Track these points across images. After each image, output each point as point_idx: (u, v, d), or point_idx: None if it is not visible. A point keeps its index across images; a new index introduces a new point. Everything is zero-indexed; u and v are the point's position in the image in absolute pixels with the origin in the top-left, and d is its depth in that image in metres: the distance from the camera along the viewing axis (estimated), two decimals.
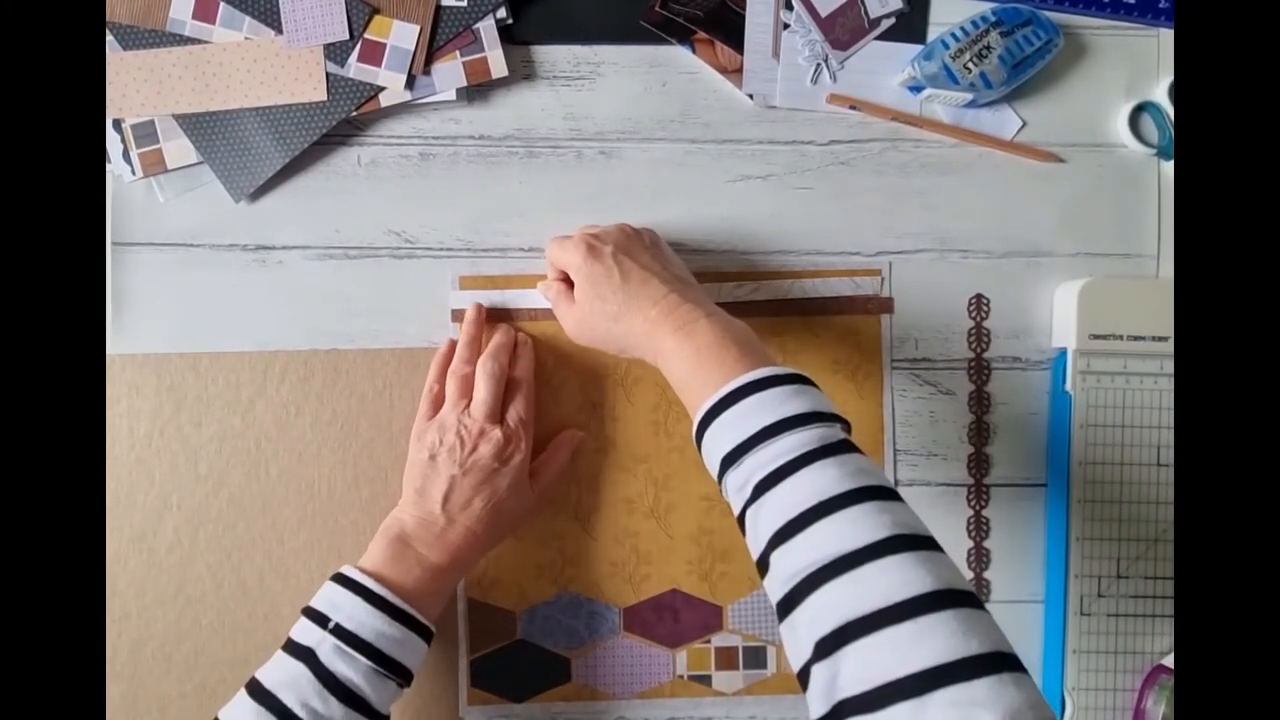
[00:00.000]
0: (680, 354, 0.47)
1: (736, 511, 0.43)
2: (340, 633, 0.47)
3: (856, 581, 0.37)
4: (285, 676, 0.46)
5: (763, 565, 0.41)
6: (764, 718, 0.59)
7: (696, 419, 0.45)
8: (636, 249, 0.52)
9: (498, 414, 0.54)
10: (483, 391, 0.54)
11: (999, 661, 0.34)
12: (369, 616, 0.47)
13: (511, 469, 0.53)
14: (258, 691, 0.46)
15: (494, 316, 0.59)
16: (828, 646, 0.36)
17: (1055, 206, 0.60)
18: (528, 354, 0.57)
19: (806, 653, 0.37)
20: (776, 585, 0.40)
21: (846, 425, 0.44)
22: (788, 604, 0.39)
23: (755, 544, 0.42)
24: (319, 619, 0.47)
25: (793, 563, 0.39)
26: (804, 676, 0.38)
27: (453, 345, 0.57)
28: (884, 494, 0.40)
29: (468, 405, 0.54)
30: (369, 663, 0.47)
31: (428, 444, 0.53)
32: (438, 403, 0.55)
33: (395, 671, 0.48)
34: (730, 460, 0.43)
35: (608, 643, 0.59)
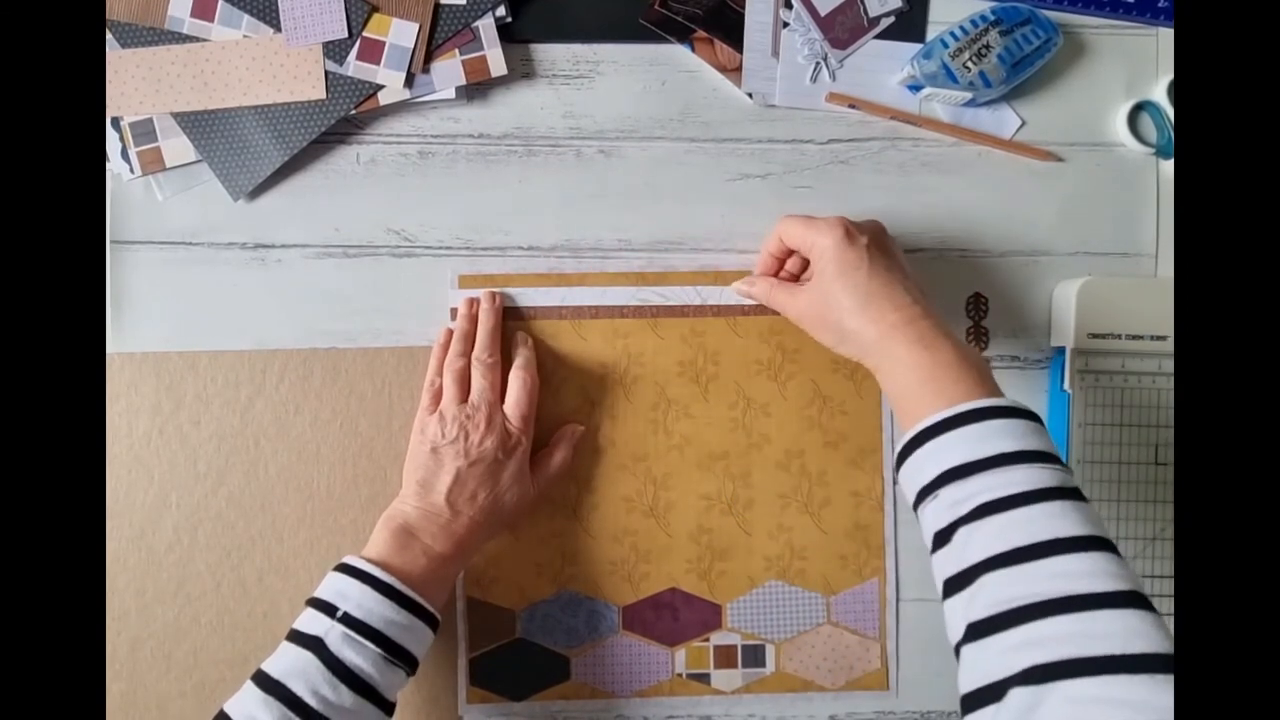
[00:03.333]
0: (915, 364, 0.47)
1: (942, 524, 0.43)
2: (349, 621, 0.47)
3: (1087, 622, 0.37)
4: (293, 666, 0.46)
5: (962, 580, 0.41)
6: (762, 716, 0.60)
7: (922, 425, 0.45)
8: (889, 249, 0.52)
9: (498, 405, 0.54)
10: (480, 382, 0.54)
11: None
12: (378, 604, 0.48)
13: (514, 461, 0.54)
14: (265, 682, 0.46)
15: None
16: (1040, 675, 0.36)
17: (1054, 205, 0.60)
18: (528, 348, 0.57)
19: (1004, 673, 0.38)
20: (981, 606, 0.40)
21: (1070, 470, 0.44)
22: (991, 625, 0.39)
23: (956, 560, 0.42)
24: (326, 608, 0.48)
25: (1014, 589, 0.39)
26: (998, 690, 0.38)
27: (450, 335, 0.57)
28: (1117, 550, 0.40)
29: (466, 398, 0.54)
30: (378, 650, 0.47)
31: (430, 436, 0.53)
32: (439, 396, 0.55)
33: (403, 659, 0.48)
34: (955, 475, 0.43)
35: (607, 641, 0.59)
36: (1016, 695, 0.37)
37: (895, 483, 0.48)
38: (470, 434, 0.53)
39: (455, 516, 0.52)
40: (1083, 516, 0.41)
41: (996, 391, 0.46)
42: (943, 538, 0.43)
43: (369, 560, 0.49)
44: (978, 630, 0.40)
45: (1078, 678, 0.36)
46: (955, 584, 0.42)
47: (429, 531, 0.51)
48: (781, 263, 0.57)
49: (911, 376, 0.47)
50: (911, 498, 0.47)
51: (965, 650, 0.40)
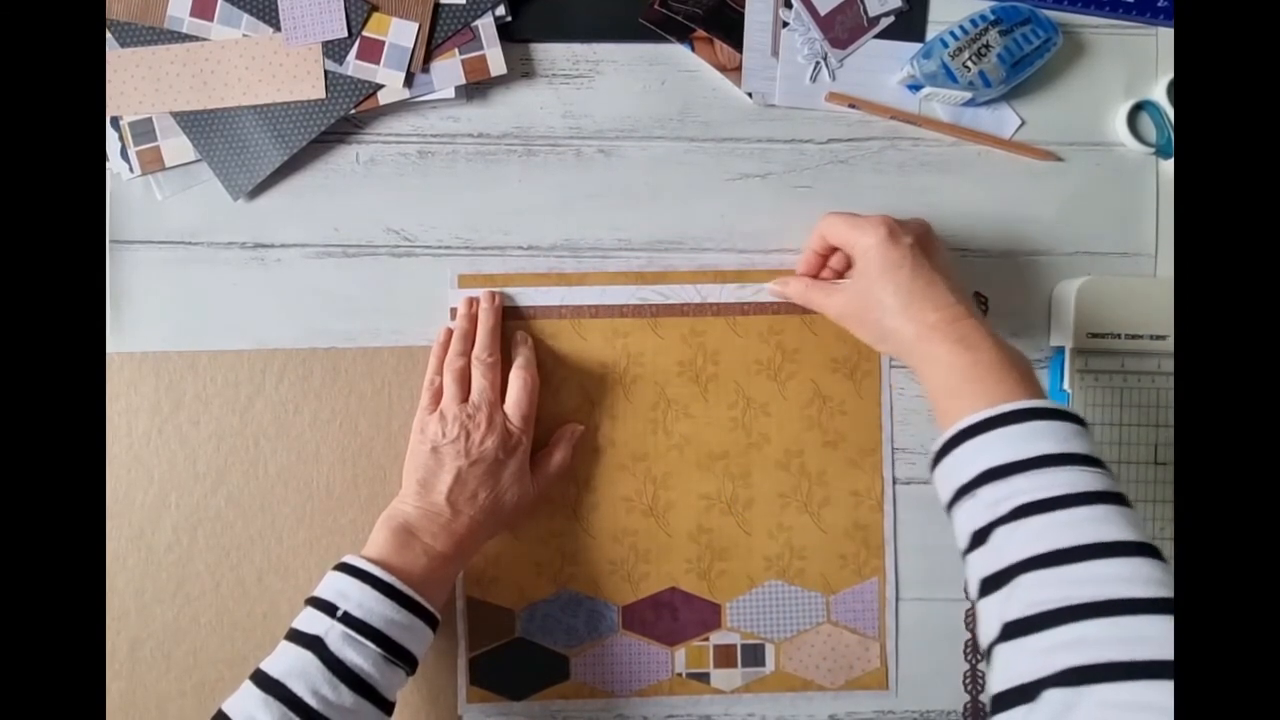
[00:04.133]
0: (956, 363, 0.47)
1: (980, 524, 0.43)
2: (349, 620, 0.47)
3: (1127, 627, 0.37)
4: (293, 665, 0.46)
5: (998, 580, 0.41)
6: (762, 715, 0.60)
7: (962, 424, 0.45)
8: (933, 248, 0.52)
9: (498, 404, 0.54)
10: (480, 382, 0.54)
11: None
12: (378, 604, 0.47)
13: (514, 461, 0.54)
14: (265, 681, 0.46)
15: None
16: (1077, 678, 0.36)
17: (1053, 205, 0.60)
18: (528, 347, 0.57)
19: (1039, 673, 0.37)
20: (1018, 606, 0.39)
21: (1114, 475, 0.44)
22: (1028, 625, 0.39)
23: (993, 559, 0.42)
24: (326, 608, 0.48)
25: (1053, 591, 0.39)
26: (1031, 691, 0.37)
27: (449, 334, 0.57)
28: (1161, 556, 0.40)
29: (466, 397, 0.54)
30: (378, 650, 0.47)
31: (430, 436, 0.53)
32: (439, 395, 0.55)
33: (403, 659, 0.48)
34: (995, 474, 0.43)
35: (606, 641, 0.59)
36: (1051, 697, 0.36)
37: (929, 480, 0.48)
38: (471, 434, 0.53)
39: (455, 516, 0.52)
40: (1126, 521, 0.40)
41: (1040, 393, 0.46)
42: (980, 537, 0.43)
43: (369, 560, 0.49)
44: (1013, 630, 0.39)
45: (1115, 682, 0.35)
46: (992, 583, 0.41)
47: (429, 531, 0.51)
48: (824, 260, 0.57)
49: (952, 376, 0.47)
50: (946, 497, 0.46)
51: (999, 649, 0.40)
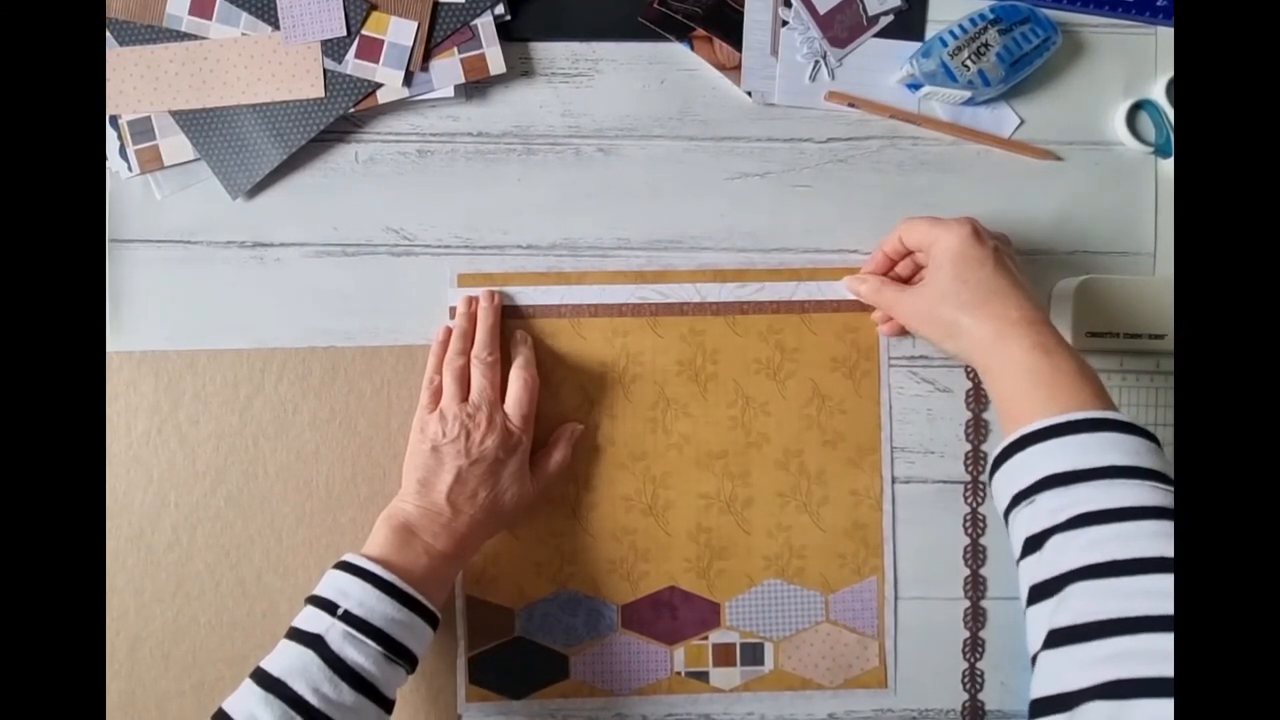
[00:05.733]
0: (1031, 368, 0.46)
1: (1036, 530, 0.42)
2: (350, 619, 0.47)
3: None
4: (294, 664, 0.46)
5: (1049, 588, 0.40)
6: (761, 714, 0.60)
7: (1028, 428, 0.45)
8: (1012, 257, 0.52)
9: (498, 404, 0.54)
10: (480, 381, 0.54)
11: None
12: (379, 602, 0.48)
13: (514, 460, 0.54)
14: (265, 680, 0.46)
15: None
16: (1122, 691, 0.35)
17: (1052, 204, 0.60)
18: (527, 347, 0.57)
19: (1082, 684, 0.37)
20: (1067, 615, 0.39)
21: None
22: (1075, 634, 0.38)
23: (1046, 567, 0.41)
24: (327, 606, 0.48)
25: (1105, 603, 0.38)
26: (1071, 700, 0.37)
27: (449, 333, 0.57)
28: None
29: (466, 396, 0.54)
30: (379, 648, 0.47)
31: (430, 435, 0.53)
32: (439, 394, 0.55)
33: (403, 657, 0.48)
34: (1057, 481, 0.42)
35: (606, 640, 0.59)
36: (1093, 709, 0.36)
37: (986, 488, 0.47)
38: (471, 433, 0.53)
39: (456, 515, 0.52)
40: None
41: (1112, 408, 0.45)
42: (1034, 543, 0.42)
43: (369, 558, 0.49)
44: (1059, 638, 0.39)
45: (1161, 698, 0.34)
46: (1042, 591, 0.41)
47: (430, 530, 0.51)
48: (893, 264, 0.57)
49: (1025, 380, 0.46)
50: (1004, 502, 0.45)
51: (1043, 657, 0.39)
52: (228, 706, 0.45)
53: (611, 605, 0.59)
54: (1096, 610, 0.38)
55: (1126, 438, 0.43)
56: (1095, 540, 0.40)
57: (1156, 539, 0.39)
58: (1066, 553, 0.40)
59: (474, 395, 0.54)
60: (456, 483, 0.52)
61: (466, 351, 0.56)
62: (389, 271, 0.59)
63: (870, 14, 0.59)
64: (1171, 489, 0.41)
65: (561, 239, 0.59)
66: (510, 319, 0.59)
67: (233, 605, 0.58)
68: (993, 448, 0.51)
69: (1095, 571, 0.39)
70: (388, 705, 0.48)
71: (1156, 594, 0.37)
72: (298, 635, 0.47)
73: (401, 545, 0.51)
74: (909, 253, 0.56)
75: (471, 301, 0.58)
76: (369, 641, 0.47)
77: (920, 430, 0.60)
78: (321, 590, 0.49)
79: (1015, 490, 0.44)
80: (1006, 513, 0.46)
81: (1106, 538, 0.39)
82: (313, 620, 0.47)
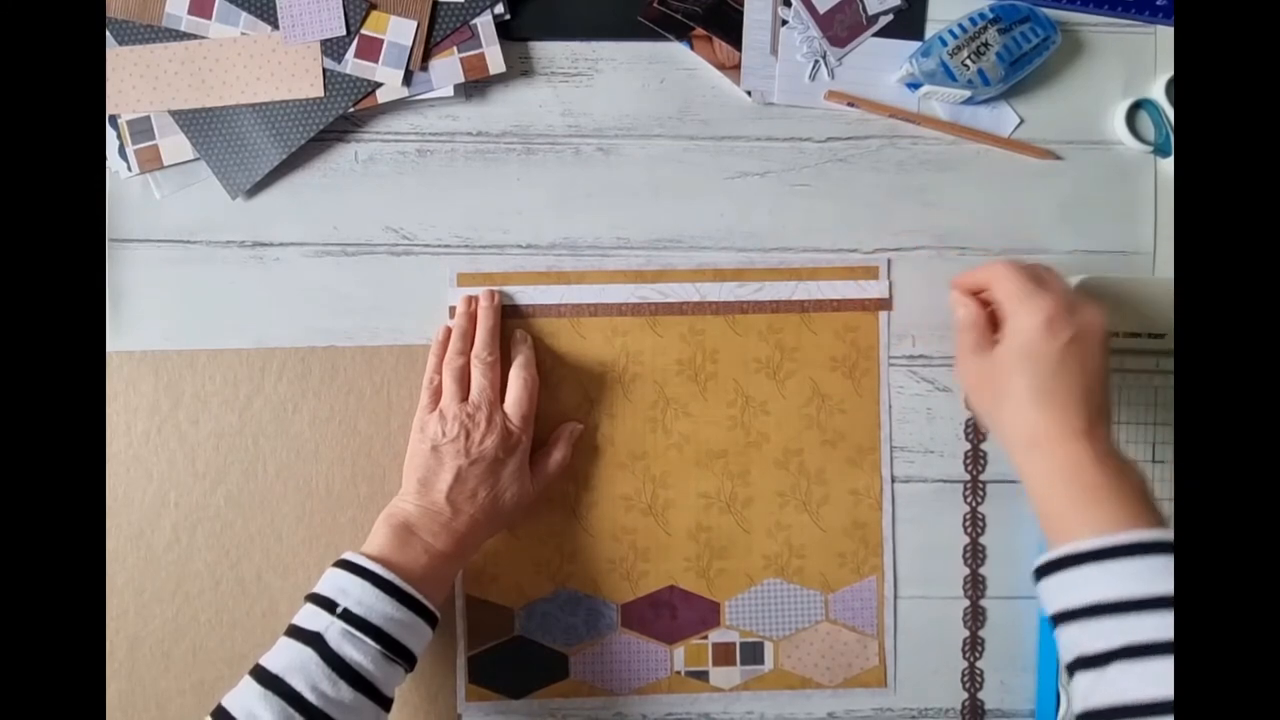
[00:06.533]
0: (1063, 480, 0.46)
1: (1093, 651, 0.42)
2: (349, 617, 0.47)
3: None
4: (293, 661, 0.46)
5: (1112, 714, 0.41)
6: (761, 713, 0.60)
7: (1069, 550, 0.44)
8: (1091, 348, 0.48)
9: (498, 404, 0.54)
10: (480, 381, 0.54)
11: None
12: (378, 601, 0.48)
13: (514, 459, 0.54)
14: (264, 677, 0.46)
15: None
16: None
17: (1052, 203, 0.60)
18: (527, 346, 0.57)
19: None
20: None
21: None
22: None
23: (1109, 692, 0.41)
24: (326, 604, 0.48)
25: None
26: None
27: (448, 333, 0.57)
28: None
29: (466, 396, 0.54)
30: (378, 647, 0.47)
31: (430, 435, 0.53)
32: (439, 394, 0.55)
33: (402, 656, 0.48)
34: (1109, 610, 0.42)
35: (606, 639, 0.59)
36: None
37: (1033, 588, 0.47)
38: (471, 433, 0.53)
39: (456, 515, 0.52)
40: None
41: (1154, 516, 0.44)
42: (1092, 663, 0.42)
43: (369, 557, 0.49)
44: None
45: None
46: (1105, 716, 0.41)
47: (429, 529, 0.51)
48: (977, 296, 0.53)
49: (1058, 494, 0.46)
50: (1051, 612, 0.45)
51: None
52: (227, 703, 0.45)
53: (611, 605, 0.59)
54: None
55: (1170, 560, 0.42)
56: (1161, 673, 0.39)
57: None
58: (1131, 680, 0.40)
59: (474, 395, 0.54)
60: (456, 482, 0.52)
61: (466, 351, 0.56)
62: (388, 271, 0.59)
63: (870, 13, 0.59)
64: None
65: (561, 238, 0.59)
66: (510, 318, 0.59)
67: (232, 604, 0.58)
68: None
69: (1166, 710, 0.39)
70: (386, 704, 0.48)
71: None
72: (297, 633, 0.47)
73: (401, 544, 0.51)
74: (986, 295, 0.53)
75: (471, 301, 0.58)
76: (368, 640, 0.47)
77: (920, 429, 0.60)
78: (321, 588, 0.49)
79: (1061, 608, 0.44)
80: (1052, 621, 0.45)
81: (1168, 671, 0.39)
82: (312, 618, 0.47)
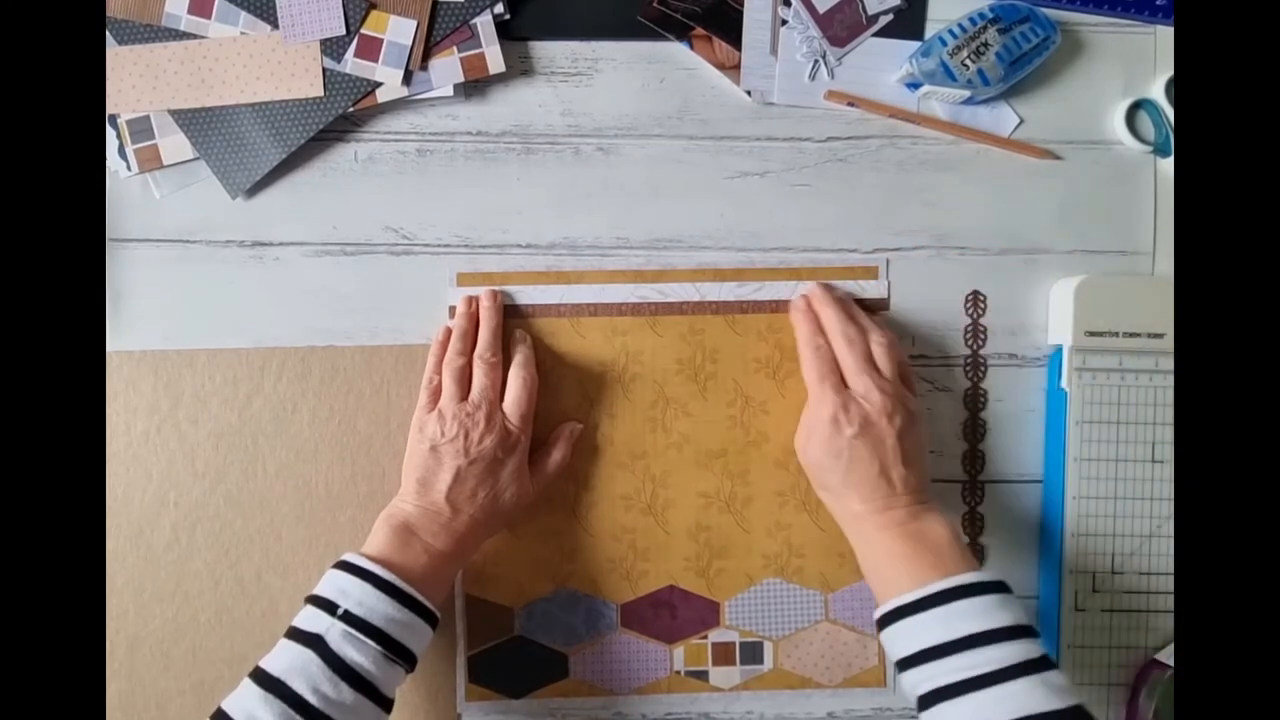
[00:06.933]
0: (886, 549, 0.51)
1: (924, 690, 0.46)
2: (350, 619, 0.47)
3: None
4: (293, 663, 0.46)
5: None
6: (760, 713, 0.60)
7: (892, 605, 0.49)
8: (885, 431, 0.52)
9: (498, 404, 0.54)
10: (482, 381, 0.54)
11: None
12: (378, 602, 0.48)
13: (513, 459, 0.54)
14: (264, 679, 0.46)
15: None
16: None
17: (1052, 203, 0.60)
18: (527, 346, 0.57)
19: None
20: None
21: (1036, 633, 0.47)
22: None
23: None
24: (327, 606, 0.48)
25: None
26: None
27: (448, 333, 0.57)
28: (1090, 715, 0.43)
29: (466, 396, 0.54)
30: (378, 648, 0.47)
31: (429, 435, 0.53)
32: (438, 394, 0.55)
33: (403, 657, 0.48)
34: (931, 655, 0.46)
35: (605, 639, 0.59)
36: None
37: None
38: (470, 432, 0.53)
39: (455, 515, 0.52)
40: (1050, 690, 0.43)
41: (963, 558, 0.49)
42: (926, 702, 0.46)
43: (369, 558, 0.49)
44: None
45: None
46: None
47: (429, 530, 0.51)
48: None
49: (877, 559, 0.51)
50: (892, 658, 0.49)
51: None
52: (227, 706, 0.45)
53: (611, 604, 0.59)
54: None
55: (977, 601, 0.47)
56: (976, 708, 0.44)
57: (1020, 698, 0.43)
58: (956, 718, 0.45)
59: (474, 394, 0.54)
60: (455, 482, 0.52)
61: (466, 351, 0.56)
62: (388, 271, 0.59)
63: (870, 13, 0.59)
64: (1024, 638, 0.45)
65: (561, 238, 0.59)
66: (510, 318, 0.59)
67: (232, 604, 0.58)
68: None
69: None
70: (387, 705, 0.48)
71: None
72: (297, 635, 0.47)
73: (401, 545, 0.51)
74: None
75: (471, 301, 0.58)
76: (368, 641, 0.47)
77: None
78: (321, 590, 0.49)
79: (898, 655, 0.48)
80: (897, 667, 0.49)
81: (985, 703, 0.44)
82: (312, 620, 0.47)
